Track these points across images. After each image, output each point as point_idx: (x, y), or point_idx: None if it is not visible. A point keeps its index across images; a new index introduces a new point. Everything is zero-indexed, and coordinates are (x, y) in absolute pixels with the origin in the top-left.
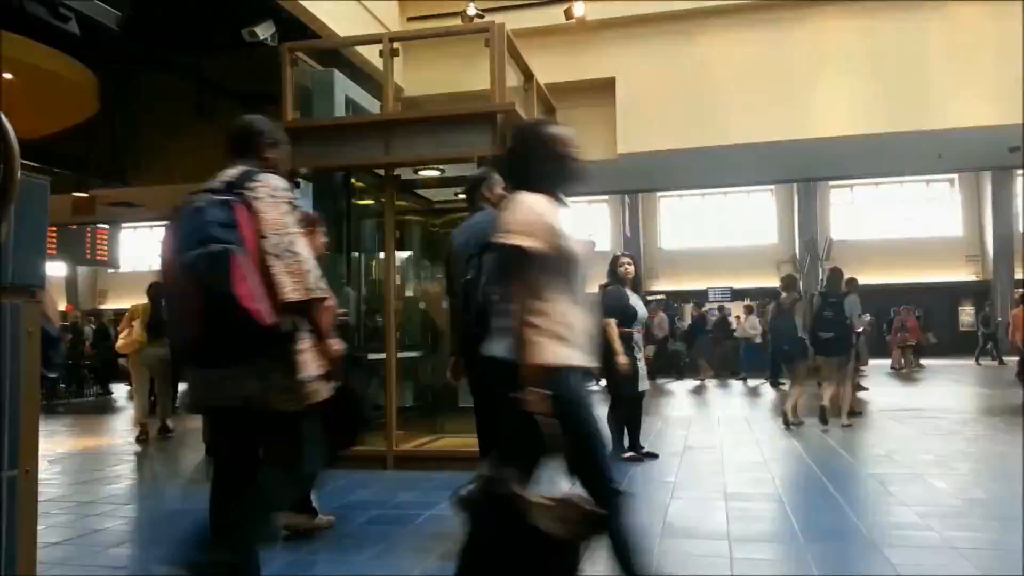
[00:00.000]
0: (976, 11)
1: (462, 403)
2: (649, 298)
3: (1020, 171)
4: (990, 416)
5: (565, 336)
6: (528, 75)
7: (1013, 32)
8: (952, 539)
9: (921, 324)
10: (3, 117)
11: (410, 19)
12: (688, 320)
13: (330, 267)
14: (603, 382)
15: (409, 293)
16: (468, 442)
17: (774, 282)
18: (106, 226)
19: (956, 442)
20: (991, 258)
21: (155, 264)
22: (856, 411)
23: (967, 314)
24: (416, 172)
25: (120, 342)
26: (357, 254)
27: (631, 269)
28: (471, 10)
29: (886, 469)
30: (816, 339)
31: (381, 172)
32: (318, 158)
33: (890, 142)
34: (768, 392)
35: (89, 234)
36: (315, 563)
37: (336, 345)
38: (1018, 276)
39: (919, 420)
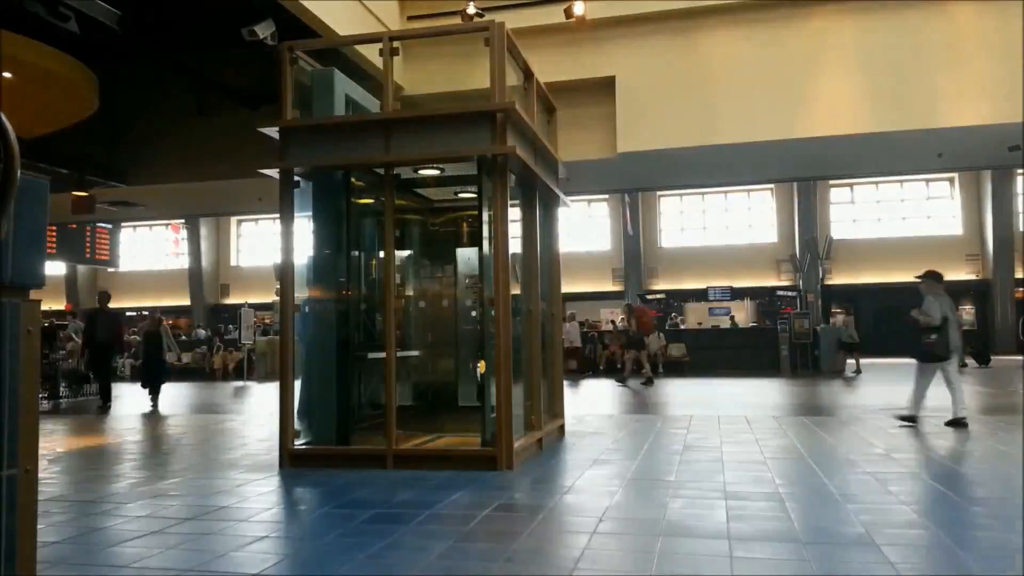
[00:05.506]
0: (976, 11)
1: (462, 402)
2: (649, 297)
3: (1020, 171)
4: (990, 416)
5: None
6: (528, 74)
7: (1013, 32)
8: (952, 539)
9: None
10: (3, 117)
11: (410, 18)
12: None
13: (328, 267)
14: None
15: (408, 292)
16: (468, 441)
17: (774, 281)
18: (106, 226)
19: (956, 442)
20: (991, 258)
21: (154, 264)
22: None
23: (967, 313)
24: (416, 171)
25: None
26: (356, 253)
27: None
28: (471, 9)
29: (886, 469)
30: None
31: (381, 171)
32: (318, 157)
33: (890, 142)
34: None
35: (89, 234)
36: (315, 562)
37: None
38: (1018, 276)
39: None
